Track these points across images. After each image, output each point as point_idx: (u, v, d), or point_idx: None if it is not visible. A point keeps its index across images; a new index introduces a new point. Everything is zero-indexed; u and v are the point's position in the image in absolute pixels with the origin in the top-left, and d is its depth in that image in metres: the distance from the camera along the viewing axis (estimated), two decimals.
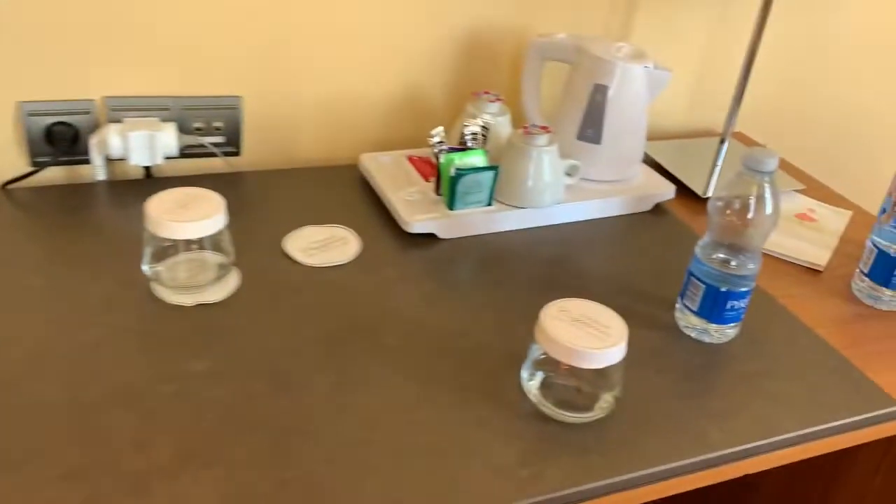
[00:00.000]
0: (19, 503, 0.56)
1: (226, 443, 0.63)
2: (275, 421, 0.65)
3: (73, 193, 0.94)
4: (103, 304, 0.76)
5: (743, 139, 1.33)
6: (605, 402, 0.69)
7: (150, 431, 0.63)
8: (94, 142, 0.94)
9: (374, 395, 0.69)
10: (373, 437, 0.65)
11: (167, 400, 0.66)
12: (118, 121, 0.96)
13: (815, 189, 1.18)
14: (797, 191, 1.15)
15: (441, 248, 0.92)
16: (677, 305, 0.83)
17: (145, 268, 0.78)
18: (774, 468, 0.72)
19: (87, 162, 0.96)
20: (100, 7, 0.90)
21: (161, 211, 0.75)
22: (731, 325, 0.80)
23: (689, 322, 0.81)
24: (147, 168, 0.99)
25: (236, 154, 1.04)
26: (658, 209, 1.05)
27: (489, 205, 0.96)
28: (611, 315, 0.69)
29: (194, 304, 0.77)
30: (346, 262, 0.87)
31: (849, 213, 1.11)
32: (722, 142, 1.13)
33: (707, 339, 0.81)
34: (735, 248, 0.78)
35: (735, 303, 0.78)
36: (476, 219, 0.95)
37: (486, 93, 1.03)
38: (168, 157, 0.97)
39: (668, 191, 1.06)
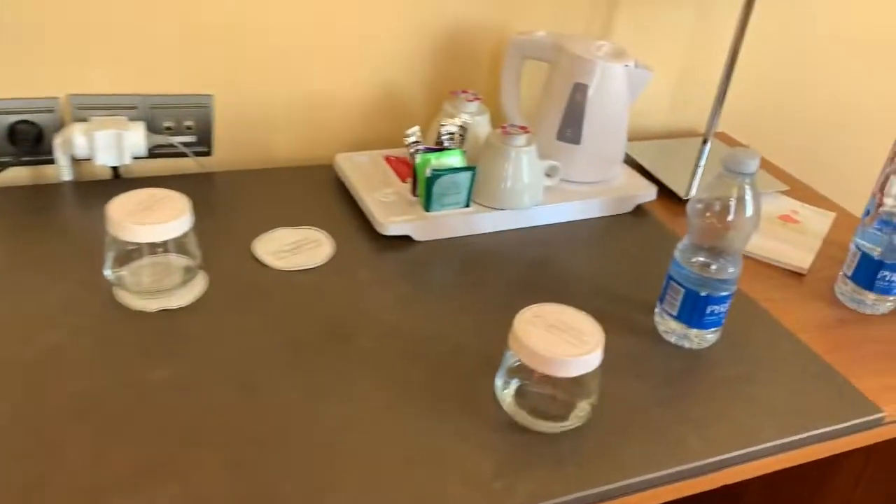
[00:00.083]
0: None
1: (187, 455, 0.60)
2: (239, 431, 0.63)
3: (38, 194, 0.91)
4: (63, 309, 0.73)
5: (726, 139, 1.32)
6: (582, 410, 0.67)
7: (108, 444, 0.60)
8: (58, 141, 0.91)
9: (343, 404, 0.67)
10: (341, 448, 0.63)
11: (126, 410, 0.64)
12: (84, 119, 0.93)
13: (799, 190, 1.17)
14: (780, 192, 1.14)
15: (417, 251, 0.89)
16: (656, 310, 0.81)
17: (107, 272, 0.75)
18: (757, 477, 0.70)
19: (51, 162, 0.93)
20: (64, 1, 0.88)
21: (123, 213, 0.72)
22: (712, 329, 0.78)
23: (669, 327, 0.79)
24: (115, 168, 0.96)
25: (208, 154, 1.01)
26: (639, 211, 1.04)
27: (467, 206, 0.94)
28: (587, 321, 0.67)
29: (158, 309, 0.74)
30: (318, 265, 0.84)
31: (832, 215, 1.09)
32: (704, 142, 1.11)
33: (687, 345, 0.79)
34: (715, 252, 0.76)
35: (715, 307, 0.76)
36: (453, 220, 0.93)
37: (465, 92, 1.00)
38: (136, 157, 0.94)
39: (649, 192, 1.04)
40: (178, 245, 0.76)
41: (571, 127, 0.99)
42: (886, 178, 0.86)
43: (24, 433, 0.60)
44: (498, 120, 1.04)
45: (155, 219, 0.72)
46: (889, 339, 0.85)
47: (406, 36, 1.06)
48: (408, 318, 0.78)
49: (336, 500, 0.58)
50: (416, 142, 0.92)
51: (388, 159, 1.03)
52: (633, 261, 0.93)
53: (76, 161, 0.94)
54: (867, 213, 0.89)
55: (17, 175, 0.94)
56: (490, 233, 0.95)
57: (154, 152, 0.97)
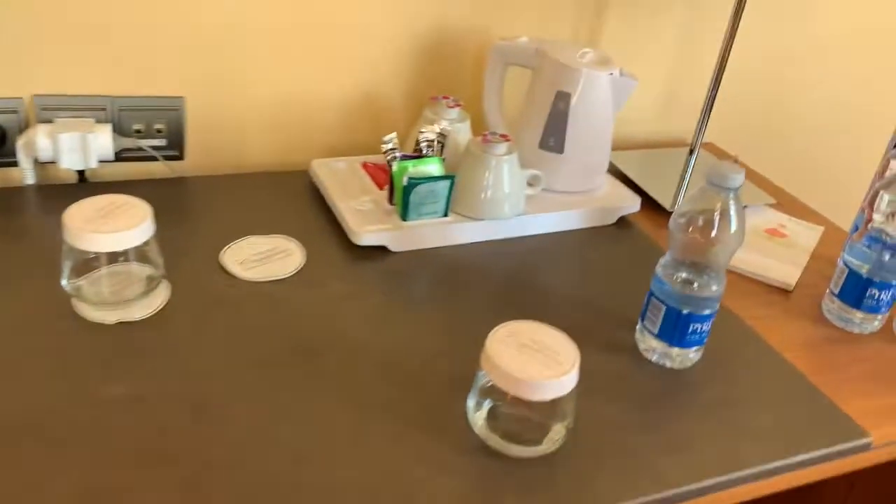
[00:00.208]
0: None
1: (136, 478, 0.57)
2: (193, 454, 0.60)
3: None
4: (17, 320, 0.70)
5: (714, 150, 1.29)
6: (557, 433, 0.64)
7: (55, 465, 0.57)
8: (20, 143, 0.87)
9: (305, 426, 0.64)
10: (301, 474, 0.60)
11: (77, 428, 0.60)
12: (49, 121, 0.89)
13: (787, 203, 1.14)
14: (768, 205, 1.11)
15: (392, 262, 0.86)
16: (638, 327, 0.78)
17: (64, 282, 0.72)
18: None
19: (15, 164, 0.89)
20: None
21: (80, 221, 0.69)
22: (694, 348, 0.76)
23: (650, 345, 0.76)
24: (81, 172, 0.93)
25: (179, 158, 0.98)
26: (623, 222, 1.01)
27: (445, 216, 0.91)
28: (563, 340, 0.64)
29: (116, 321, 0.71)
30: (287, 276, 0.81)
31: (820, 229, 1.07)
32: (691, 153, 1.09)
33: (668, 364, 0.76)
34: (699, 268, 0.73)
35: (698, 325, 0.74)
36: (430, 231, 0.90)
37: (446, 97, 0.98)
38: (104, 161, 0.91)
39: (633, 204, 1.01)
40: (140, 254, 0.72)
41: (554, 136, 0.97)
42: (876, 194, 0.84)
43: None
44: (480, 127, 1.01)
45: (114, 227, 0.69)
46: (877, 360, 0.83)
47: (387, 39, 1.03)
48: (378, 334, 0.75)
49: None
50: (393, 149, 0.89)
51: (365, 166, 1.00)
52: (615, 274, 0.90)
53: (40, 164, 0.90)
54: (855, 228, 0.86)
55: None
56: (469, 244, 0.92)
57: (123, 156, 0.93)
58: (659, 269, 0.75)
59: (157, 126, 0.95)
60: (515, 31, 1.07)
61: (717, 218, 0.70)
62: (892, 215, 0.82)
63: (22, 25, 0.85)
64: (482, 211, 0.92)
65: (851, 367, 0.81)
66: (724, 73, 1.02)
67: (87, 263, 0.72)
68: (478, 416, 0.65)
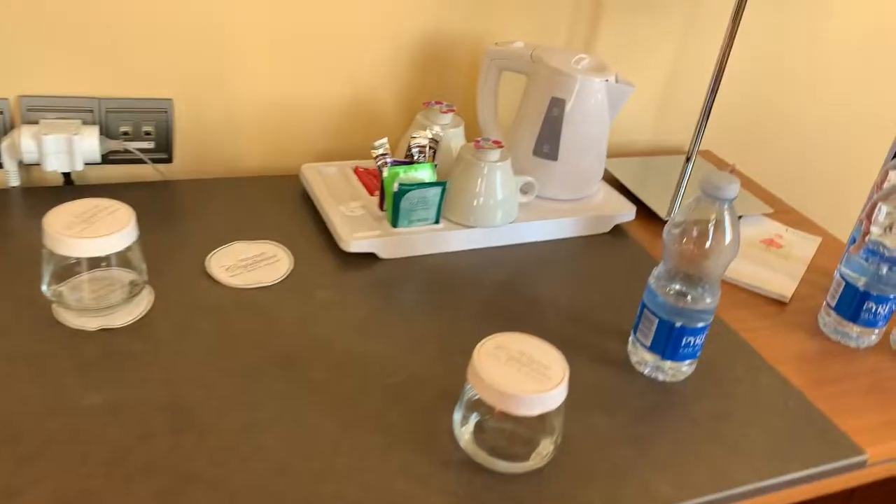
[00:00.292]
0: None
1: (112, 491, 0.56)
2: (172, 466, 0.58)
3: None
4: None
5: (711, 158, 1.28)
6: (545, 448, 0.63)
7: (27, 477, 0.56)
8: (4, 145, 0.86)
9: (288, 438, 0.62)
10: (282, 485, 0.58)
11: (52, 439, 0.59)
12: (35, 122, 0.88)
13: (784, 212, 1.13)
14: (764, 214, 1.10)
15: (381, 270, 0.85)
16: (630, 339, 0.77)
17: (45, 288, 0.70)
18: None
19: None
20: None
21: (61, 226, 0.67)
22: (687, 362, 0.74)
23: (642, 358, 0.75)
24: (67, 175, 0.91)
25: (167, 161, 0.97)
26: (617, 231, 0.99)
27: (436, 223, 0.90)
28: (552, 353, 0.63)
29: (98, 328, 0.70)
30: (273, 283, 0.79)
31: (818, 240, 1.06)
32: (687, 160, 1.07)
33: (661, 377, 0.74)
34: (692, 279, 0.72)
35: (691, 339, 0.72)
36: (421, 238, 0.88)
37: (439, 103, 0.96)
38: (90, 164, 0.90)
39: (627, 212, 0.99)
40: (122, 259, 0.71)
41: (548, 142, 0.95)
42: (874, 206, 0.82)
43: None
44: (474, 133, 1.00)
45: (95, 232, 0.68)
46: (873, 375, 0.81)
47: (381, 42, 1.02)
48: (364, 344, 0.74)
49: None
50: (384, 154, 0.87)
51: (357, 171, 0.98)
52: (608, 284, 0.88)
53: (26, 166, 0.89)
54: (853, 240, 0.85)
55: None
56: (460, 251, 0.90)
57: (110, 158, 0.92)
58: (652, 281, 0.73)
59: (146, 128, 0.94)
60: (510, 36, 1.06)
61: (711, 229, 0.69)
62: (890, 227, 0.80)
63: (7, 24, 0.84)
64: (474, 218, 0.90)
65: (847, 382, 0.79)
66: (722, 80, 1.01)
67: (68, 269, 0.70)
68: (464, 430, 0.63)
